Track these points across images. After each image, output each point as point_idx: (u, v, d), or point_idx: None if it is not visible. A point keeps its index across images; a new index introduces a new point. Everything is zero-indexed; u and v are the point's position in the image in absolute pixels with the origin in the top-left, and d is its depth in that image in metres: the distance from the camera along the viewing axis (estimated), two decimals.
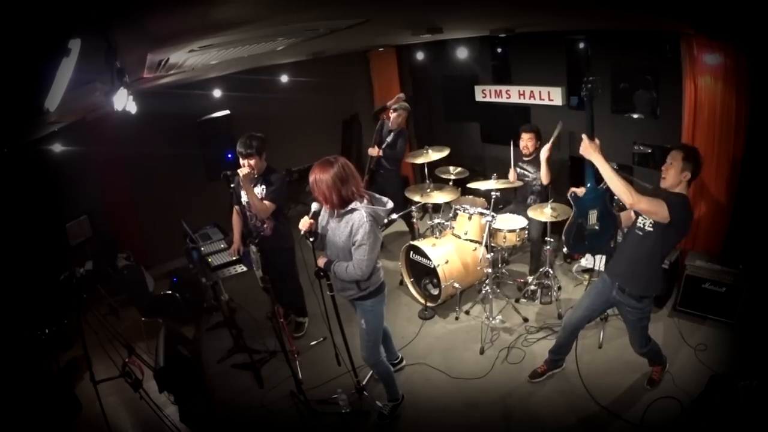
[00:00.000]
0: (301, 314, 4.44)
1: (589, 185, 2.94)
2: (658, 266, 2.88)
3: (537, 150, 4.50)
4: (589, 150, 2.70)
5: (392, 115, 5.18)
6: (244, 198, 3.73)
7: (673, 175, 2.73)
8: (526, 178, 4.63)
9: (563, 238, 3.15)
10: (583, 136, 2.72)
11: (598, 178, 2.80)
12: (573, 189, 3.03)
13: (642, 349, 3.17)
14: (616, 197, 3.31)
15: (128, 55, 2.08)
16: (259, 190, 3.72)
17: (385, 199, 2.82)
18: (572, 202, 3.05)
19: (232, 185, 3.60)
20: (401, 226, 5.98)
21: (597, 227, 2.97)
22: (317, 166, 2.66)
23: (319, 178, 2.63)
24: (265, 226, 3.83)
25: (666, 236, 2.71)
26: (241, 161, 3.61)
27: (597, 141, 2.70)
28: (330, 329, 3.14)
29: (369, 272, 2.76)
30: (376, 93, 7.11)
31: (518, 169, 4.66)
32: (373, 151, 5.22)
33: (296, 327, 4.41)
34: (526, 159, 4.64)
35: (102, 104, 3.07)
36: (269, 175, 3.76)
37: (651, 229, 2.75)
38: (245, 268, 3.89)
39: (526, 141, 4.56)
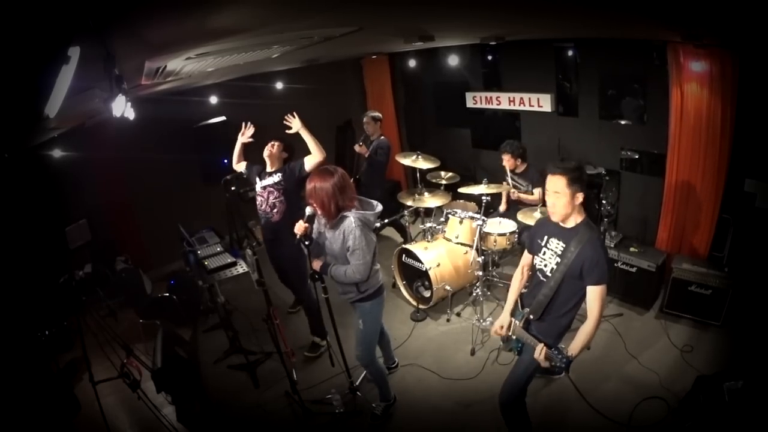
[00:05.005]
0: (318, 334, 4.16)
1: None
2: None
3: (524, 165, 4.61)
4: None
5: (365, 127, 5.28)
6: (258, 185, 3.83)
7: (563, 207, 2.33)
8: (520, 190, 4.70)
9: None
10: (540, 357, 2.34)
11: None
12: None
13: None
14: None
15: (126, 62, 2.11)
16: (277, 178, 3.78)
17: (374, 203, 2.89)
18: None
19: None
20: (393, 231, 6.04)
21: None
22: (317, 174, 2.73)
23: (320, 186, 2.69)
24: (274, 210, 3.80)
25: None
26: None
27: (541, 350, 2.33)
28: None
29: (367, 275, 2.82)
30: (369, 99, 7.21)
31: (511, 181, 4.73)
32: (360, 149, 5.26)
33: (311, 347, 4.19)
34: (517, 172, 4.72)
35: (101, 110, 3.12)
36: (287, 163, 3.92)
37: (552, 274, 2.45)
38: (241, 271, 3.93)
39: (506, 161, 4.62)
